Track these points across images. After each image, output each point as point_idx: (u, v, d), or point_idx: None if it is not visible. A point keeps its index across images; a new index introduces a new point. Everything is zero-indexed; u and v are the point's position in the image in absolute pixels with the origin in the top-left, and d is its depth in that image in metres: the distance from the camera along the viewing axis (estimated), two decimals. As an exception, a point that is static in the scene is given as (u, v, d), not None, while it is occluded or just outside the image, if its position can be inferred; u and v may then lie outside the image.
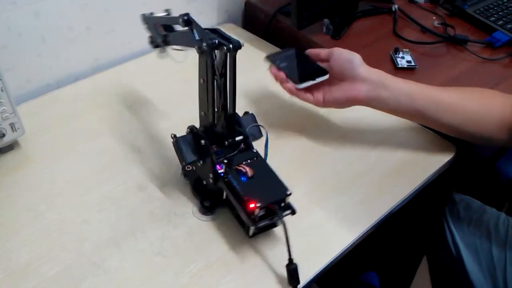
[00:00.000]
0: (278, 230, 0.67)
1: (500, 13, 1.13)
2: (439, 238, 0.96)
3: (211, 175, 0.66)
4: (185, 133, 0.68)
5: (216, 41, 0.59)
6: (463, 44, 1.04)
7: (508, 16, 1.12)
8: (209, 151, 0.65)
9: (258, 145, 0.69)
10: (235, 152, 0.66)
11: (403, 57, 0.99)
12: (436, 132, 0.83)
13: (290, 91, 0.78)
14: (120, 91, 0.91)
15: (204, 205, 0.69)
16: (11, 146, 0.78)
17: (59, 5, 0.88)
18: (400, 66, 0.97)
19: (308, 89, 0.78)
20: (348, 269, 1.11)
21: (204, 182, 0.69)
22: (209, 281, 0.62)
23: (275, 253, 0.65)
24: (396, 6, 1.13)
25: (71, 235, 0.66)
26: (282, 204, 0.61)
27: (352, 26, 1.11)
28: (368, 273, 1.29)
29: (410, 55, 1.00)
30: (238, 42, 0.60)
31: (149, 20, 0.77)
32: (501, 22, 1.10)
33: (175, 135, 0.68)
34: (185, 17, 0.63)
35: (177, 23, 0.64)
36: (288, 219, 0.69)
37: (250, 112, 0.72)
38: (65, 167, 0.76)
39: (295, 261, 0.61)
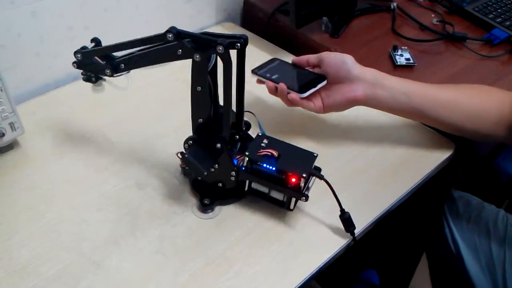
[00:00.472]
0: (273, 225, 0.68)
1: (499, 10, 1.13)
2: (438, 235, 0.97)
3: (233, 173, 0.66)
4: (185, 147, 0.68)
5: (228, 41, 0.58)
6: (461, 42, 1.05)
7: (507, 13, 1.12)
8: (224, 152, 0.65)
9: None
10: (248, 144, 0.68)
11: (402, 55, 0.99)
12: (435, 129, 0.83)
13: (295, 102, 0.76)
14: (118, 91, 0.91)
15: (204, 202, 0.69)
16: (11, 146, 0.78)
17: (58, 4, 0.88)
18: (399, 63, 0.97)
19: (307, 97, 0.77)
20: (347, 267, 1.11)
21: (220, 184, 0.69)
22: (209, 279, 0.62)
23: (275, 249, 0.65)
24: (395, 4, 1.13)
25: (70, 235, 0.66)
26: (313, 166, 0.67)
27: (350, 24, 1.11)
28: (368, 271, 1.29)
29: (409, 52, 1.00)
30: (244, 35, 0.61)
31: (90, 53, 0.69)
32: (499, 19, 1.10)
33: (181, 153, 0.67)
34: (174, 31, 0.59)
35: (162, 40, 0.60)
36: (287, 217, 0.70)
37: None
38: (65, 166, 0.76)
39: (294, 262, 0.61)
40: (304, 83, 0.77)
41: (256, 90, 0.90)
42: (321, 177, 0.65)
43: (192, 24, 1.11)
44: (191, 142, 0.68)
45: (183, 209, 0.70)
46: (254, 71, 0.80)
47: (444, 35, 1.06)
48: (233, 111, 0.66)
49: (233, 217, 0.69)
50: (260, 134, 0.70)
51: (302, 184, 0.64)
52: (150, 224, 0.68)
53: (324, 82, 0.77)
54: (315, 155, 0.67)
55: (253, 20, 1.16)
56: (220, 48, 0.58)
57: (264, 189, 0.67)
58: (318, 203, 0.70)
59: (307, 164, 0.65)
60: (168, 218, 0.69)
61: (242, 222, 0.69)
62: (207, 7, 1.13)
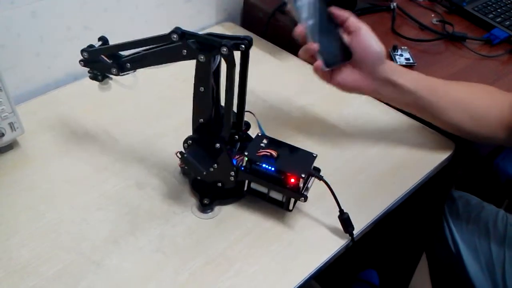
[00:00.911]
0: (272, 225, 0.68)
1: (499, 10, 1.13)
2: (438, 235, 0.97)
3: (232, 173, 0.66)
4: (185, 146, 0.68)
5: (232, 42, 0.58)
6: (461, 41, 1.05)
7: (507, 13, 1.12)
8: (223, 152, 0.65)
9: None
10: (247, 144, 0.68)
11: (401, 55, 0.99)
12: (435, 129, 0.83)
13: (317, 69, 0.71)
14: (119, 90, 0.91)
15: (204, 202, 0.69)
16: (11, 146, 0.78)
17: (58, 4, 0.88)
18: (398, 63, 0.97)
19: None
20: (347, 267, 1.12)
21: (219, 184, 0.69)
22: (209, 278, 0.62)
23: (274, 249, 0.65)
24: (395, 4, 1.13)
25: (70, 234, 0.66)
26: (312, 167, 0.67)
27: (350, 24, 1.11)
28: (368, 271, 1.29)
29: (409, 52, 1.00)
30: (249, 36, 0.61)
31: (97, 52, 0.69)
32: (499, 19, 1.10)
33: (181, 152, 0.66)
34: (179, 31, 0.59)
35: (167, 41, 0.60)
36: (286, 217, 0.70)
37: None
38: (64, 166, 0.76)
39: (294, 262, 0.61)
40: (333, 54, 0.71)
41: (256, 90, 0.90)
42: (320, 178, 0.65)
43: (192, 24, 1.11)
44: (190, 141, 0.68)
45: (182, 209, 0.70)
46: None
47: (444, 35, 1.06)
48: (233, 111, 0.66)
49: (232, 217, 0.69)
50: (259, 134, 0.70)
51: (301, 185, 0.64)
52: (150, 223, 0.68)
53: (348, 61, 0.72)
54: (315, 155, 0.67)
55: (253, 20, 1.16)
56: (224, 50, 0.57)
57: (263, 189, 0.68)
58: (317, 204, 0.70)
59: (306, 165, 0.65)
60: (167, 218, 0.69)
61: (241, 222, 0.69)
62: (207, 7, 1.13)
